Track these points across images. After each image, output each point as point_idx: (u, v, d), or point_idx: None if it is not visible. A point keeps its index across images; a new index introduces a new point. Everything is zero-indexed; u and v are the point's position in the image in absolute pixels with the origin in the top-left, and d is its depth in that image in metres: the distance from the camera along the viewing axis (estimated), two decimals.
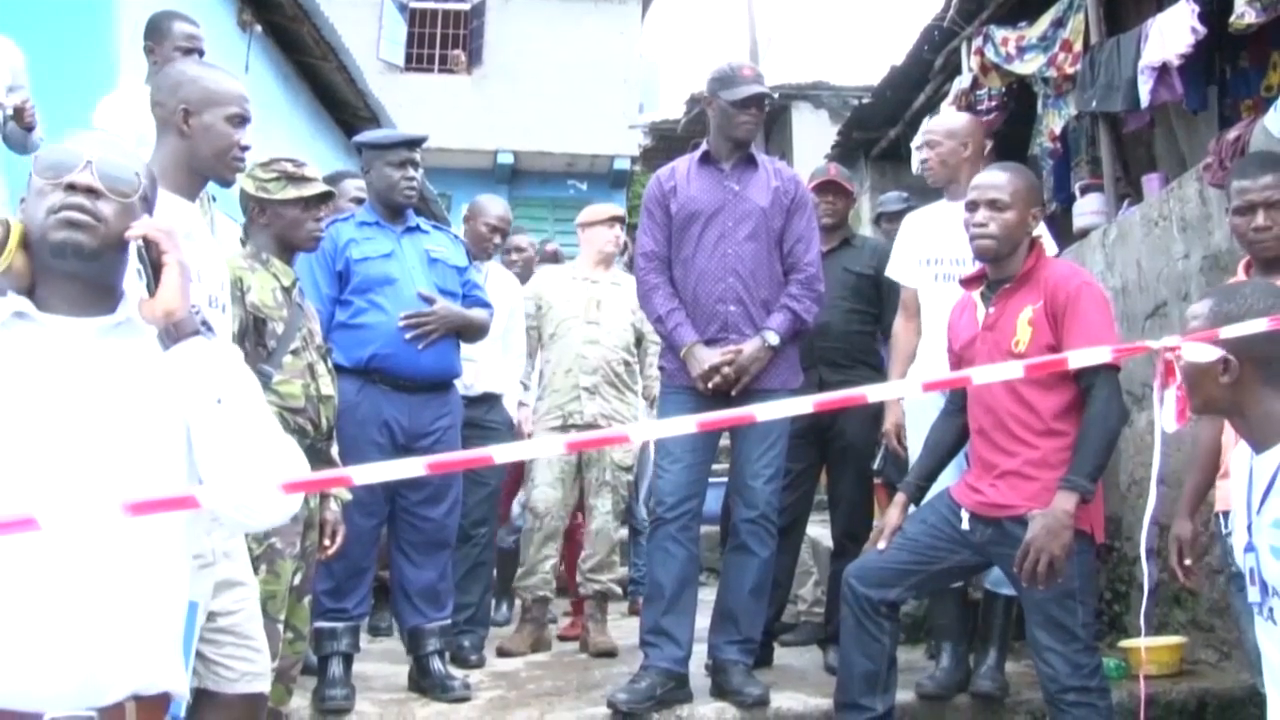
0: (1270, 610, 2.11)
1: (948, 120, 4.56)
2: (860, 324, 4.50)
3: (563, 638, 5.01)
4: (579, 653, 4.80)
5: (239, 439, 1.74)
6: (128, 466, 1.68)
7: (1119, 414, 3.04)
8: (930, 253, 4.09)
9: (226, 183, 2.61)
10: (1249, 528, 2.14)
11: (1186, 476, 3.26)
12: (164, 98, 2.50)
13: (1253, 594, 2.15)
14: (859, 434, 4.34)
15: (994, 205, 3.23)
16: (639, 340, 5.04)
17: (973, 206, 3.28)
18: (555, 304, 4.98)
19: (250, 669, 2.45)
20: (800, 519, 4.50)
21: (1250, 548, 2.13)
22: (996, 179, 3.31)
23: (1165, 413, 2.46)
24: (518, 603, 5.11)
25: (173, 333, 1.76)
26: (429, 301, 3.95)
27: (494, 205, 5.18)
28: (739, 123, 3.86)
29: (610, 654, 4.66)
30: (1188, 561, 3.13)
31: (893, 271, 4.29)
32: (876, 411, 4.25)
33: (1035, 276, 3.17)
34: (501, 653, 4.71)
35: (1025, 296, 3.16)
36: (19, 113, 4.21)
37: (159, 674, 1.73)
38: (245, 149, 2.55)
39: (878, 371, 4.47)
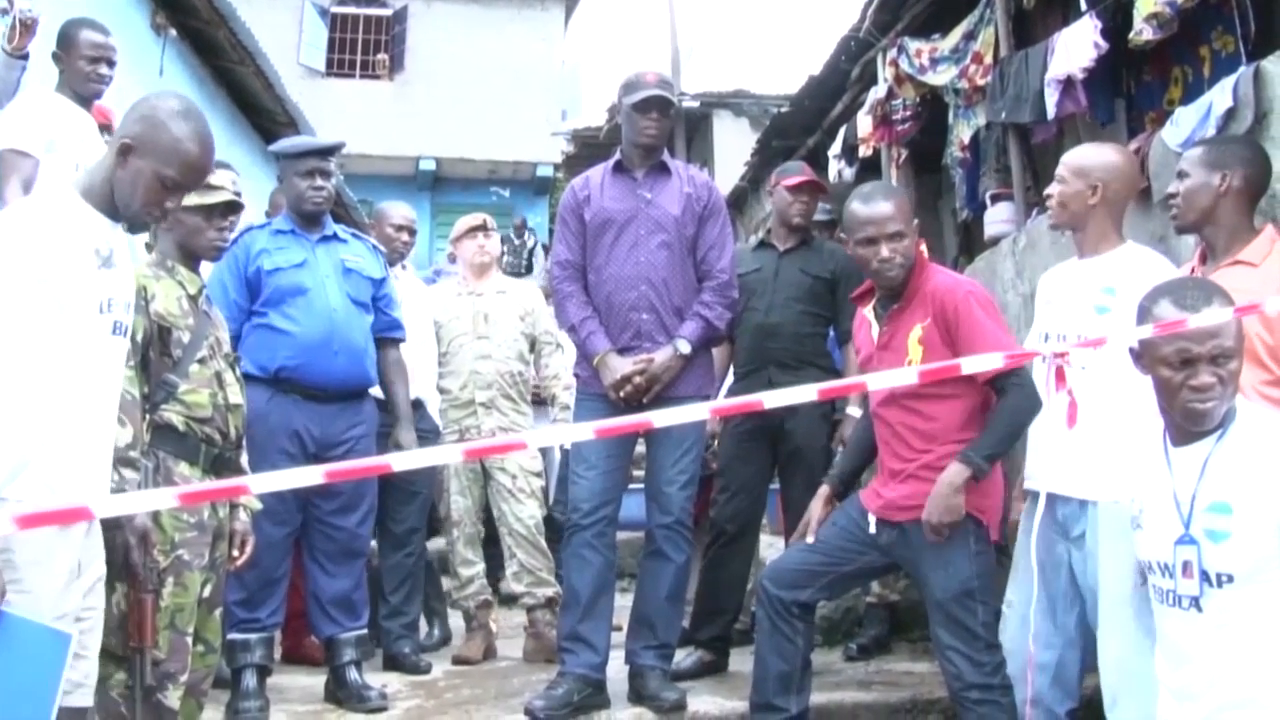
0: (1199, 601, 2.15)
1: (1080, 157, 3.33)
2: (812, 326, 4.45)
3: (459, 661, 4.78)
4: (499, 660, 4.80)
5: None
6: None
7: (1029, 407, 3.06)
8: (1048, 326, 3.26)
9: (133, 229, 2.53)
10: (1185, 522, 2.18)
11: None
12: (125, 119, 2.41)
13: (1187, 586, 2.17)
14: (807, 437, 4.34)
15: None
16: (533, 345, 5.07)
17: None
18: (445, 321, 5.01)
19: (73, 676, 2.34)
20: (752, 525, 4.48)
21: (1187, 539, 2.17)
22: None
23: (1057, 416, 2.54)
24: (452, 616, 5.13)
25: None
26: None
27: (396, 208, 5.16)
28: (641, 127, 3.88)
29: None
30: None
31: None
32: (825, 413, 4.28)
33: (921, 293, 3.21)
34: (458, 661, 4.72)
35: (914, 315, 3.20)
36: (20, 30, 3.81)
37: None
38: (164, 212, 2.44)
39: (827, 373, 4.39)
